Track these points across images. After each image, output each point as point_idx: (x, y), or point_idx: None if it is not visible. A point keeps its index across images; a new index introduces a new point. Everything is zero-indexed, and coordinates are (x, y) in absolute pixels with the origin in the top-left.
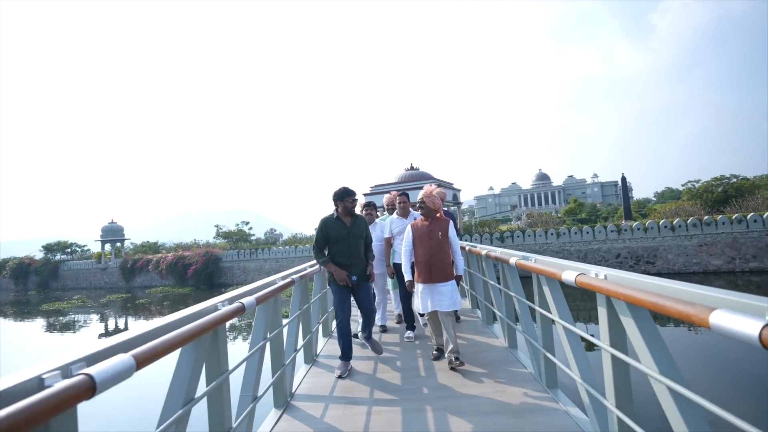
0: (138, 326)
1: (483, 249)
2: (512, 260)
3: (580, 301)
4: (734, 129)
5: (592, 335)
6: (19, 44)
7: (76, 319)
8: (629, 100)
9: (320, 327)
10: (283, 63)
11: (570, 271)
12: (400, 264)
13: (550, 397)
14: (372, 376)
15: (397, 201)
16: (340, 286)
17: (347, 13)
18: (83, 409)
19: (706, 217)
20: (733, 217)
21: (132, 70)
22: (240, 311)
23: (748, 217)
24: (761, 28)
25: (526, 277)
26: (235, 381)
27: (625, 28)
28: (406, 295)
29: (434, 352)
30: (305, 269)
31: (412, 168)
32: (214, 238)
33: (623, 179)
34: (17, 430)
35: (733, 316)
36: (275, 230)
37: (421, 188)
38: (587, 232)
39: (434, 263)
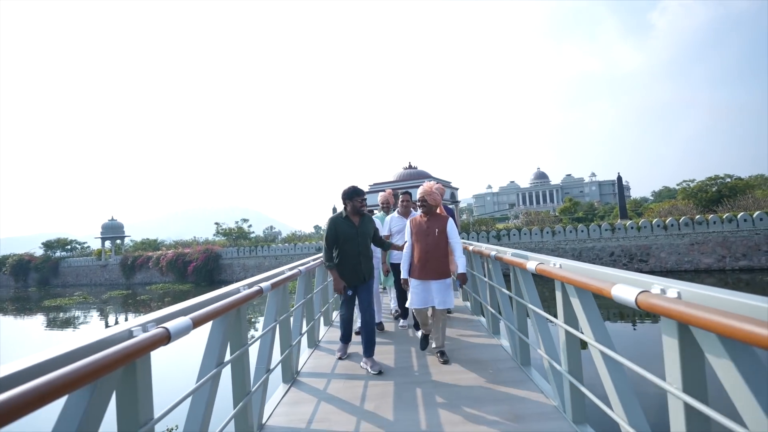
0: (185, 302)
1: (491, 250)
2: (530, 265)
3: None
4: (734, 127)
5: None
6: (17, 42)
7: (76, 315)
8: (628, 98)
9: (321, 317)
10: (281, 60)
11: (625, 286)
12: (397, 264)
13: (523, 372)
14: (362, 401)
15: (400, 200)
16: (345, 282)
17: (345, 9)
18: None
19: (697, 217)
20: (724, 217)
21: (129, 66)
22: (258, 293)
23: (739, 216)
24: (760, 27)
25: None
26: (252, 356)
27: (624, 26)
28: (402, 293)
29: (420, 340)
30: (309, 262)
31: (410, 167)
32: (214, 235)
33: (619, 178)
34: (125, 360)
35: (624, 287)
36: (274, 228)
37: (419, 187)
38: (582, 231)
39: (429, 259)
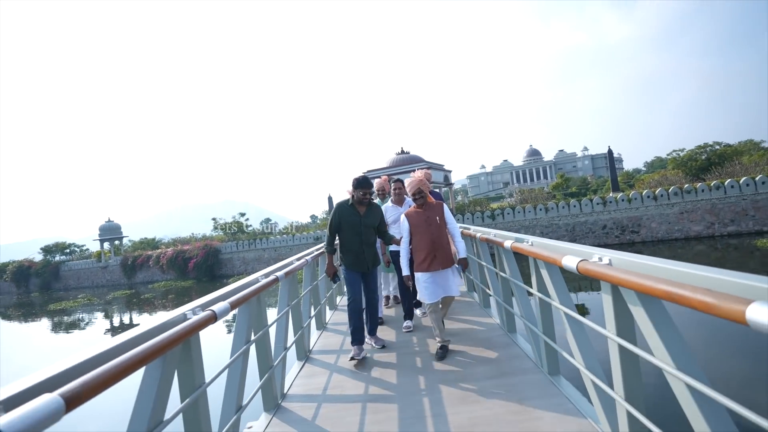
0: (219, 290)
1: (477, 231)
2: (507, 243)
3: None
4: (723, 95)
5: (583, 313)
6: (12, 44)
7: (83, 317)
8: (617, 70)
9: (312, 321)
10: (271, 49)
11: (571, 257)
12: (397, 251)
13: (553, 385)
14: (369, 370)
15: (392, 188)
16: (350, 268)
17: None
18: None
19: (686, 186)
20: (712, 184)
21: (122, 65)
22: (274, 282)
23: (726, 183)
24: None
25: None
26: (271, 337)
27: None
28: (405, 289)
29: (438, 350)
30: (292, 263)
31: (402, 152)
32: (212, 230)
33: (609, 152)
34: (185, 337)
35: (570, 257)
36: (270, 220)
37: (412, 171)
38: (574, 206)
39: (438, 249)
